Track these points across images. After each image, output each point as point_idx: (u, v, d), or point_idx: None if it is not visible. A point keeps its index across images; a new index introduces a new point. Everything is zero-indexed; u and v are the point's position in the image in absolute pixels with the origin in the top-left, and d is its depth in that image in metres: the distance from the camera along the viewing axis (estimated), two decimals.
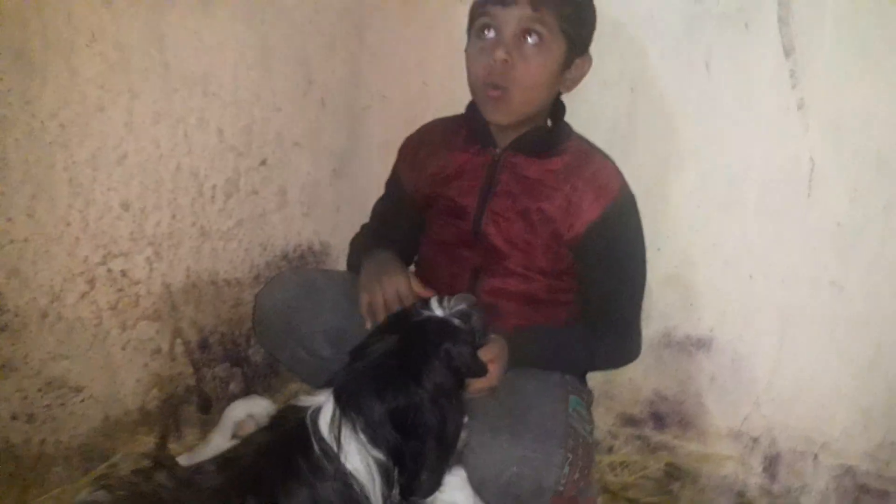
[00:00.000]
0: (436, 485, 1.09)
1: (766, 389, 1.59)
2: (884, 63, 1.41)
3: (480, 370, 1.18)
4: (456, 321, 1.13)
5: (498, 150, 1.39)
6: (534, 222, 1.37)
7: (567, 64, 1.34)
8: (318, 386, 1.13)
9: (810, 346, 1.54)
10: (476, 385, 1.21)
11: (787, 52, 1.48)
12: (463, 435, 1.19)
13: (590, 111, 1.65)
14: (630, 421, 1.74)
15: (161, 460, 1.01)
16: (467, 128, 1.43)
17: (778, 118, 1.51)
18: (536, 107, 1.36)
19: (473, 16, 1.35)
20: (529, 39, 1.27)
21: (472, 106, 1.42)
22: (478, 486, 1.19)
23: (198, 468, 1.02)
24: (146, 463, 1.05)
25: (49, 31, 1.19)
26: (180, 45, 1.41)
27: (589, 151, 1.42)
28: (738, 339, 1.61)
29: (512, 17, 1.26)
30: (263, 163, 1.64)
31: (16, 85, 1.17)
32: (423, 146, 1.50)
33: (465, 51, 1.38)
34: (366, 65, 1.86)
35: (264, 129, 1.62)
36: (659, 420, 1.71)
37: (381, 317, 1.27)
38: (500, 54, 1.26)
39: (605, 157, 1.43)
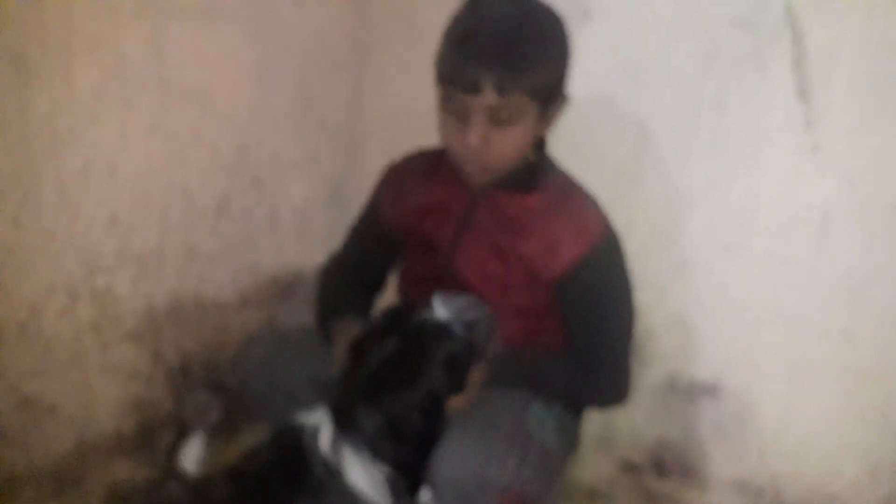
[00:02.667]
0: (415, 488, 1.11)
1: (773, 439, 1.61)
2: None
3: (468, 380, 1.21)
4: (457, 326, 1.16)
5: (477, 187, 1.39)
6: (509, 260, 1.38)
7: (543, 118, 1.33)
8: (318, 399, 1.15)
9: (819, 396, 1.56)
10: (451, 403, 1.22)
11: (802, 95, 1.53)
12: None
13: (599, 150, 1.69)
14: (631, 468, 1.75)
15: (172, 471, 1.03)
16: (449, 163, 1.41)
17: (791, 162, 1.55)
18: (519, 161, 1.36)
19: (438, 82, 1.31)
20: (501, 116, 1.25)
21: None
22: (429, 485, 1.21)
23: (207, 479, 1.04)
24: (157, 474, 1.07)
25: (48, 37, 1.23)
26: (179, 59, 1.44)
27: (570, 189, 1.41)
28: (744, 387, 1.63)
29: (479, 105, 1.23)
30: (257, 183, 1.67)
31: (10, 89, 1.20)
32: (405, 177, 1.50)
33: (439, 115, 1.34)
34: (368, 89, 1.90)
35: (260, 148, 1.66)
36: (661, 468, 1.72)
37: None
38: (472, 141, 1.25)
39: (587, 195, 1.42)
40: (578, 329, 1.41)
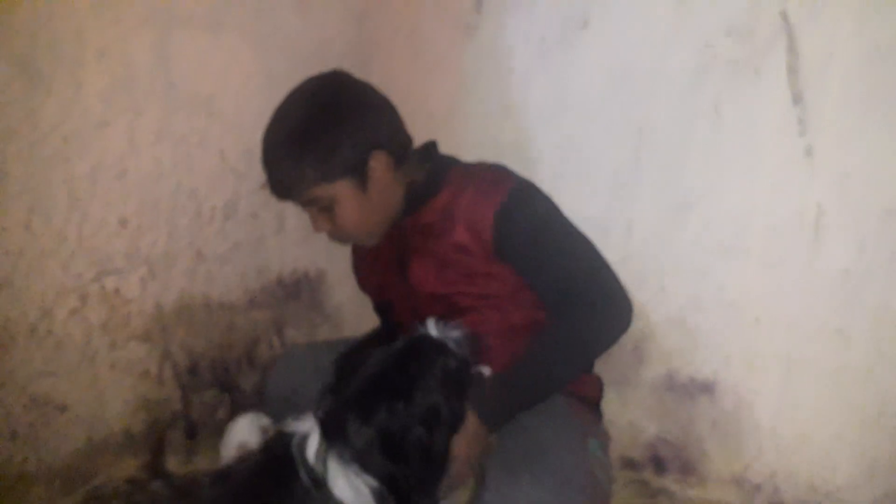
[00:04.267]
0: None
1: (770, 436, 1.61)
2: (891, 113, 1.46)
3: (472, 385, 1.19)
4: (451, 342, 1.15)
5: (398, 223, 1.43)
6: (450, 256, 1.37)
7: (364, 182, 1.35)
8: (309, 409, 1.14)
9: (815, 394, 1.56)
10: (452, 478, 1.20)
11: (796, 99, 1.53)
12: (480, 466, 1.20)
13: (597, 155, 1.70)
14: (630, 464, 1.75)
15: (157, 470, 1.02)
16: None
17: (785, 165, 1.55)
18: (385, 217, 1.41)
19: None
20: (317, 207, 1.35)
21: None
22: None
23: (193, 480, 1.03)
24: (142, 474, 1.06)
25: (57, 45, 1.24)
26: (187, 66, 1.46)
27: (469, 171, 1.42)
28: (741, 384, 1.63)
29: (297, 203, 1.36)
30: (264, 186, 1.67)
31: (21, 96, 1.22)
32: (355, 254, 1.61)
33: None
34: None
35: None
36: (659, 464, 1.72)
37: None
38: (314, 229, 1.38)
39: (488, 166, 1.43)
40: (541, 278, 1.36)
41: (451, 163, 1.45)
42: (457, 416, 1.16)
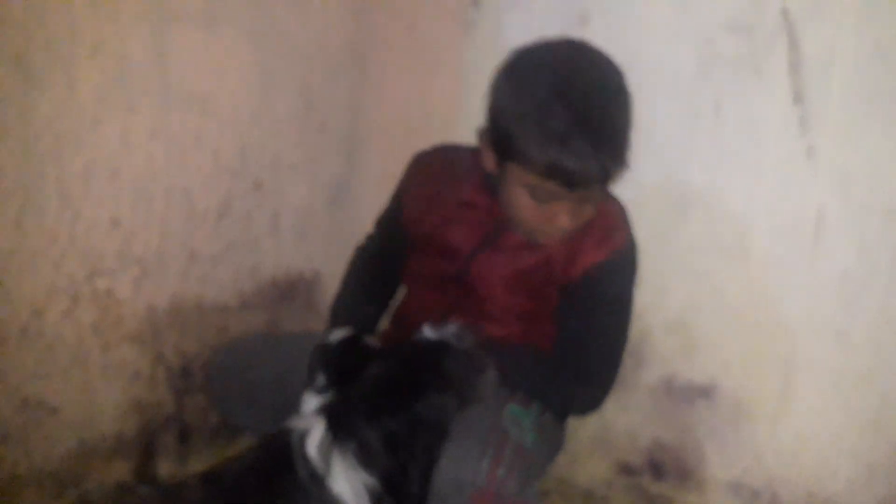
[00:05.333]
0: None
1: (768, 441, 1.60)
2: (893, 112, 1.46)
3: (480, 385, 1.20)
4: (453, 342, 1.15)
5: None
6: (531, 267, 1.37)
7: None
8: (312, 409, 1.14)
9: (814, 398, 1.56)
10: None
11: (797, 98, 1.53)
12: None
13: None
14: (627, 470, 1.74)
15: (146, 475, 1.01)
16: (482, 174, 1.38)
17: (786, 165, 1.55)
18: None
19: (508, 158, 1.24)
20: (589, 199, 1.26)
21: None
22: None
23: (181, 483, 1.02)
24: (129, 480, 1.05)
25: (51, 42, 1.23)
26: (182, 64, 1.44)
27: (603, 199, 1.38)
28: (740, 389, 1.63)
29: (578, 197, 1.23)
30: (258, 186, 1.67)
31: (13, 93, 1.20)
32: (433, 175, 1.47)
33: (504, 183, 1.29)
34: (368, 94, 1.90)
35: (261, 152, 1.66)
36: (657, 469, 1.72)
37: None
38: (563, 224, 1.25)
39: (618, 205, 1.41)
40: (575, 333, 1.39)
41: None
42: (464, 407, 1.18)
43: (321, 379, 1.21)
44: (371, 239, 1.62)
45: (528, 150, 1.18)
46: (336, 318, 1.49)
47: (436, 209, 1.43)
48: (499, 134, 1.24)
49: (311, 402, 1.20)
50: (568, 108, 1.17)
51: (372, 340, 1.33)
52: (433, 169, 1.49)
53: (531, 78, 1.22)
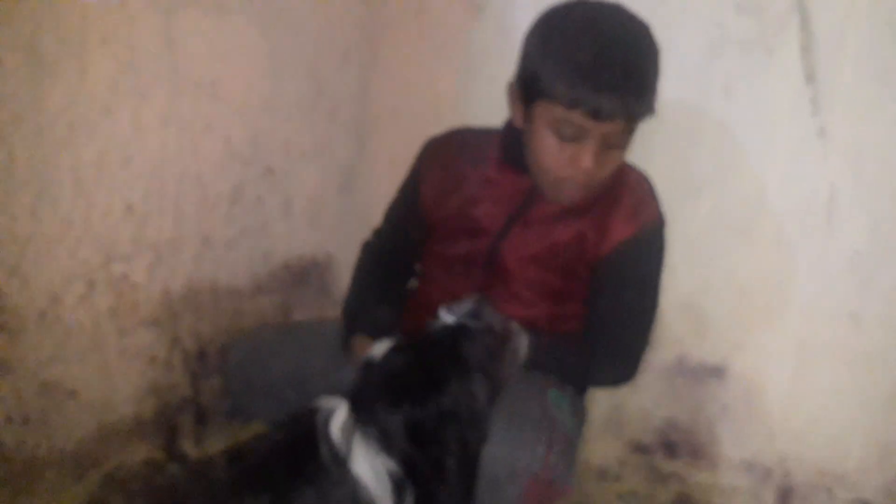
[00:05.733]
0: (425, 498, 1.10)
1: (781, 420, 1.60)
2: None
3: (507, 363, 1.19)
4: (470, 322, 1.15)
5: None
6: (561, 245, 1.36)
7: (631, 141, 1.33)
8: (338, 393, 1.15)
9: (827, 378, 1.56)
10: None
11: (809, 79, 1.51)
12: None
13: None
14: (640, 449, 1.75)
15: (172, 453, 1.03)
16: (503, 150, 1.39)
17: (798, 146, 1.54)
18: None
19: (536, 99, 1.25)
20: (614, 140, 1.25)
21: (510, 129, 1.38)
22: None
23: (209, 461, 1.04)
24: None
25: (62, 31, 1.23)
26: (192, 51, 1.45)
27: (628, 174, 1.39)
28: (752, 369, 1.62)
29: (605, 130, 1.22)
30: (270, 172, 1.67)
31: (26, 83, 1.21)
32: (450, 157, 1.46)
33: (520, 122, 1.32)
34: (378, 79, 1.90)
35: (272, 138, 1.66)
36: (670, 449, 1.72)
37: None
38: (587, 164, 1.24)
39: (645, 181, 1.41)
40: (606, 311, 1.40)
41: None
42: (497, 386, 1.17)
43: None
44: (379, 234, 1.58)
45: (554, 82, 1.21)
46: (353, 321, 1.44)
47: (458, 190, 1.42)
48: (527, 75, 1.27)
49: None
50: (594, 43, 1.20)
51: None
52: (450, 151, 1.48)
53: (560, 23, 1.25)
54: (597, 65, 1.18)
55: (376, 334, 1.27)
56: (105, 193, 1.36)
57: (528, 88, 1.27)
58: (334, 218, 1.88)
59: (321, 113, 1.78)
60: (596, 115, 1.19)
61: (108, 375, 1.43)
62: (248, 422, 1.62)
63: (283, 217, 1.74)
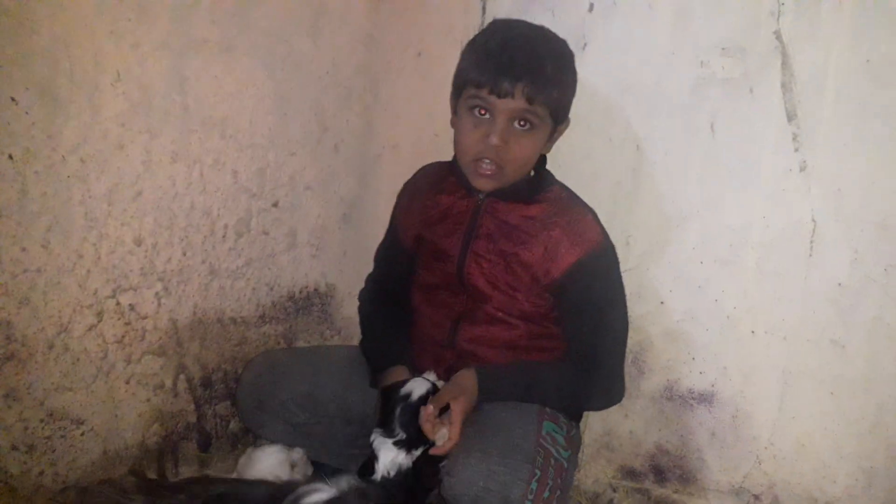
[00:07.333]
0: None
1: (768, 446, 1.57)
2: (883, 129, 1.43)
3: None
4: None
5: (481, 196, 1.43)
6: (513, 266, 1.40)
7: (551, 135, 1.39)
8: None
9: (812, 405, 1.53)
10: (440, 448, 1.25)
11: (790, 116, 1.51)
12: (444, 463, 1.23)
13: (595, 168, 1.68)
14: (630, 474, 1.71)
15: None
16: (455, 174, 1.47)
17: (780, 180, 1.53)
18: (524, 175, 1.41)
19: (461, 90, 1.37)
20: (520, 125, 1.33)
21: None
22: None
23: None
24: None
25: (76, 70, 1.22)
26: (201, 90, 1.44)
27: (569, 200, 1.44)
28: (739, 395, 1.60)
29: (506, 107, 1.30)
30: (276, 205, 1.65)
31: (40, 119, 1.19)
32: (415, 190, 1.56)
33: (453, 121, 1.42)
34: (379, 116, 1.90)
35: (278, 172, 1.65)
36: (660, 474, 1.69)
37: None
38: (494, 140, 1.32)
39: (585, 207, 1.45)
40: (574, 332, 1.42)
41: (553, 179, 1.47)
42: None
43: (399, 432, 1.27)
44: (372, 279, 1.64)
45: (469, 68, 1.35)
46: (377, 361, 1.48)
47: (423, 216, 1.49)
48: (457, 73, 1.40)
49: (386, 449, 1.26)
50: (504, 37, 1.34)
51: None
52: (416, 183, 1.57)
53: (487, 29, 1.42)
54: (502, 51, 1.31)
55: (399, 363, 1.42)
56: (115, 226, 1.34)
57: (456, 83, 1.40)
58: (337, 248, 1.86)
59: (325, 149, 1.76)
60: (497, 91, 1.29)
61: (114, 403, 1.40)
62: (254, 443, 1.60)
63: (287, 249, 1.71)
